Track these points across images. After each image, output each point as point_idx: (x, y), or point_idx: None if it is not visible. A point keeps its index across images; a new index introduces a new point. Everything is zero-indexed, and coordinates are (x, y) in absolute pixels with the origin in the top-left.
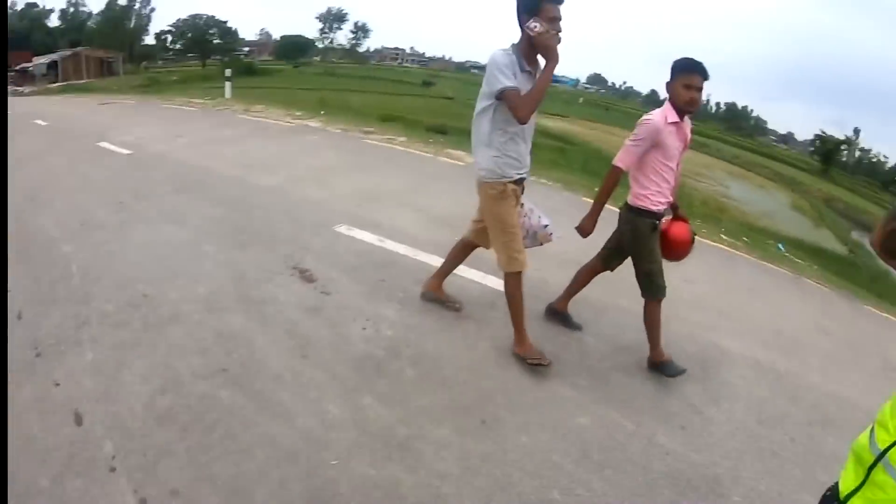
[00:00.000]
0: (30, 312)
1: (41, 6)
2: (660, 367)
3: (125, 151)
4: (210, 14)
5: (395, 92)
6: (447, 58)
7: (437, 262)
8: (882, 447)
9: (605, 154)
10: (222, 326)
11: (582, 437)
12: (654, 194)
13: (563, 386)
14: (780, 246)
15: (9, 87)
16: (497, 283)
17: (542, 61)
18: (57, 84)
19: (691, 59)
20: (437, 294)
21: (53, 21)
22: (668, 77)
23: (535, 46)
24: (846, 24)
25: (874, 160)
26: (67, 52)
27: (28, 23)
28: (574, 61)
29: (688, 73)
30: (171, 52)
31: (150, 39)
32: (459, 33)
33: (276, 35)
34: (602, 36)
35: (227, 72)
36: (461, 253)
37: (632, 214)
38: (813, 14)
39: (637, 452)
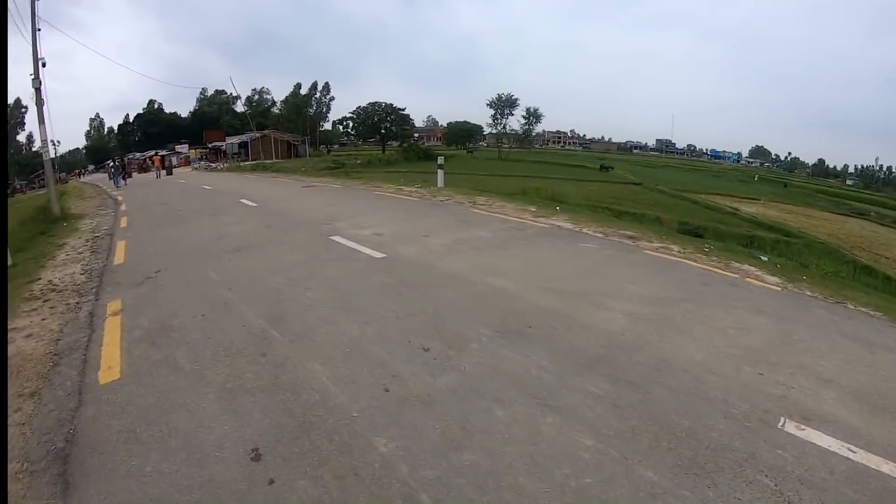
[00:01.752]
0: None
1: (228, 93)
2: None
3: (375, 254)
4: (388, 102)
5: (580, 178)
6: (607, 139)
7: None
8: None
9: (833, 248)
10: None
11: None
12: None
13: None
14: None
15: (203, 162)
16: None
17: None
18: (248, 162)
19: None
20: None
21: (240, 107)
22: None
23: None
24: None
25: None
26: (257, 134)
27: (217, 107)
28: (734, 135)
29: None
30: (347, 137)
31: (327, 125)
32: (615, 114)
33: (441, 122)
34: (757, 106)
35: (440, 160)
36: None
37: None
38: None
39: None
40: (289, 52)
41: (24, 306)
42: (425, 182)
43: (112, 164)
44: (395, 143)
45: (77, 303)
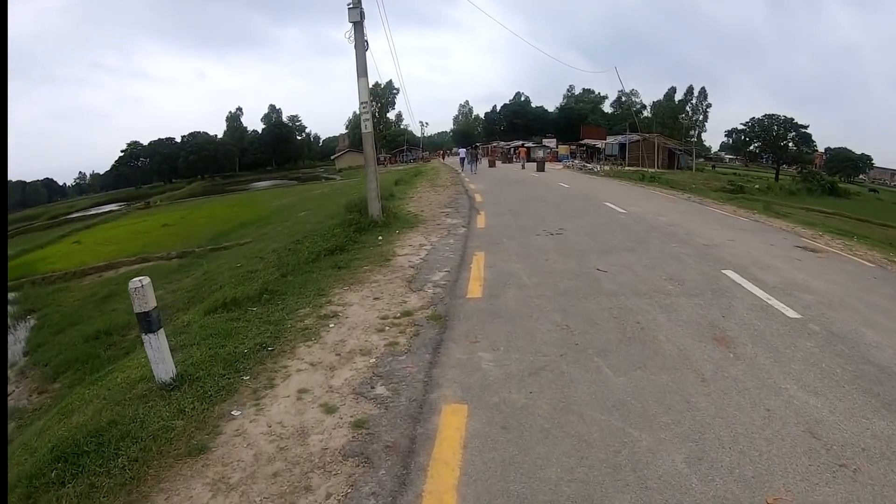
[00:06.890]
0: None
1: (597, 93)
2: None
3: None
4: (788, 117)
5: None
6: None
7: None
8: None
9: None
10: None
11: None
12: None
13: None
14: None
15: (577, 161)
16: None
17: None
18: (627, 168)
19: None
20: None
21: (607, 107)
22: None
23: None
24: None
25: None
26: (636, 137)
27: (585, 105)
28: None
29: None
30: (726, 152)
31: (703, 134)
32: None
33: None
34: None
35: None
36: None
37: None
38: None
39: None
40: (652, 57)
41: None
42: None
43: (467, 150)
44: (784, 167)
45: None
